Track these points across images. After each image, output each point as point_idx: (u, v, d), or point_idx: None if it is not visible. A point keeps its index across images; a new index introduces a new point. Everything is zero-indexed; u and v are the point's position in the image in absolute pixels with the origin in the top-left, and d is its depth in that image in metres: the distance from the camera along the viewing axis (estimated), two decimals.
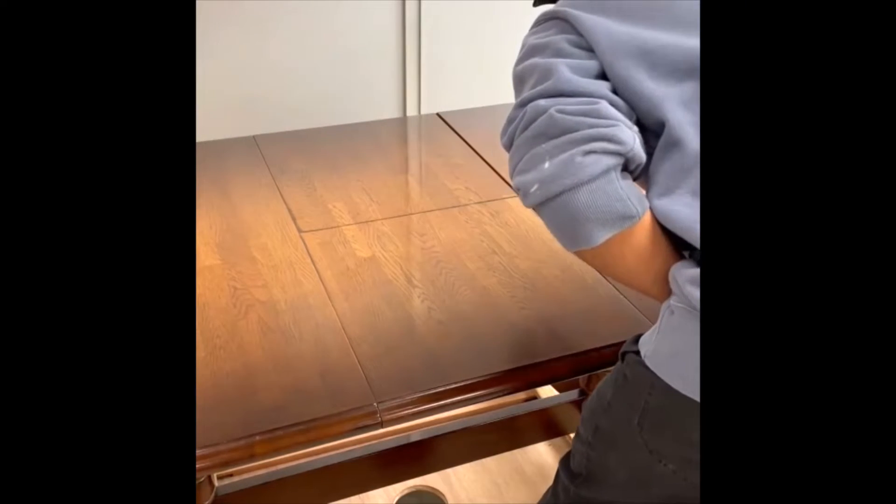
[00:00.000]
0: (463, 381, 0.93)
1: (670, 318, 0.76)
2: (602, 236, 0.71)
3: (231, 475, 1.47)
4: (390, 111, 2.19)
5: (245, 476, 1.39)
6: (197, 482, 1.11)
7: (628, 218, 0.70)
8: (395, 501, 1.53)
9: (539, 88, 0.73)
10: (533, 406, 1.44)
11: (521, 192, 0.72)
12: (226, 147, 1.58)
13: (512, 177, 0.74)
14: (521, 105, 0.74)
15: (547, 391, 1.63)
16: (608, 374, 0.85)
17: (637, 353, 0.79)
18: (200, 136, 1.55)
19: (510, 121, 0.76)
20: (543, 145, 0.70)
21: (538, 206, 0.72)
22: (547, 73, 0.74)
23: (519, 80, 0.78)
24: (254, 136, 1.62)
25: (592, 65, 0.74)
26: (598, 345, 0.99)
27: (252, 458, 0.85)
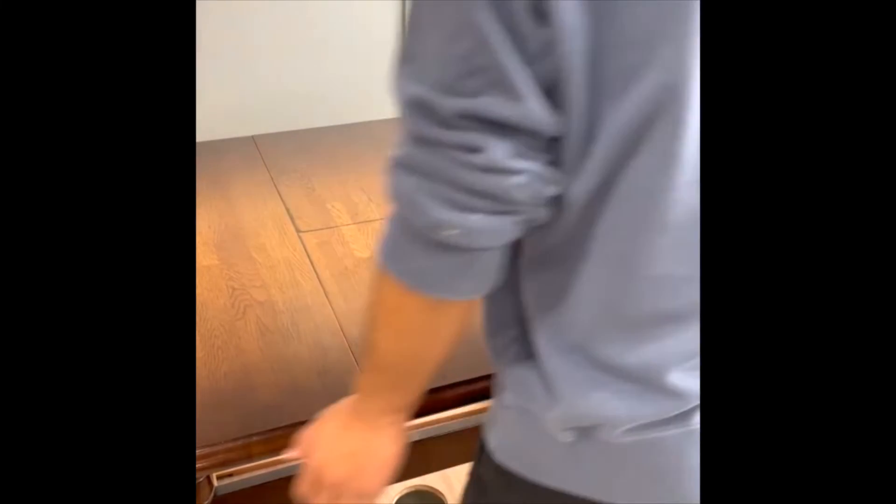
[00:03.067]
0: (461, 380, 0.93)
1: (505, 413, 0.76)
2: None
3: (231, 475, 1.47)
4: (390, 111, 2.18)
5: (244, 476, 1.39)
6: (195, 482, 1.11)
7: None
8: (394, 501, 1.52)
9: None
10: None
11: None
12: (224, 147, 1.58)
13: None
14: None
15: None
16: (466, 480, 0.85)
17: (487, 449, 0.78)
18: (199, 136, 1.55)
19: None
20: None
21: None
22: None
23: None
24: (252, 136, 1.62)
25: None
26: None
27: (249, 458, 0.85)
